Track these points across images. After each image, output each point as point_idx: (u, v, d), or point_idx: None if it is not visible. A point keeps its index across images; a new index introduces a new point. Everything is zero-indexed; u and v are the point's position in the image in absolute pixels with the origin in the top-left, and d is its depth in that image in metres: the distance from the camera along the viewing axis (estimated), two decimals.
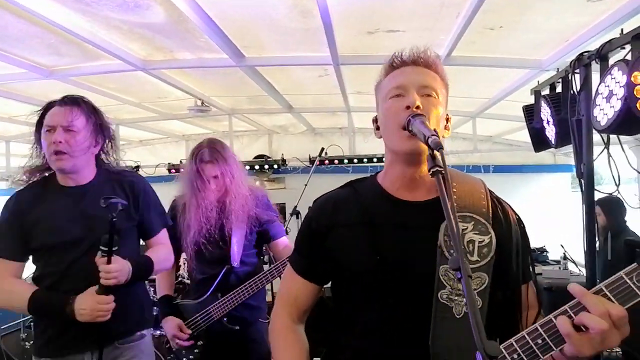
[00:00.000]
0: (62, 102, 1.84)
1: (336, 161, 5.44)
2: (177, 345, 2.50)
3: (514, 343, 1.01)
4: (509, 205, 1.32)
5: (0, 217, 1.89)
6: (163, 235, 2.14)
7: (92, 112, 1.91)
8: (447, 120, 1.31)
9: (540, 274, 4.02)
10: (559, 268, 4.22)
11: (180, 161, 5.50)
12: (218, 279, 2.51)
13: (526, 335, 1.00)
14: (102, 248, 1.75)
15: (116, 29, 2.63)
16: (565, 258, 4.32)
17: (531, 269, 1.29)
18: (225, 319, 2.49)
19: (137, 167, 5.63)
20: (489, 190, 1.31)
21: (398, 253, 1.20)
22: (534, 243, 5.16)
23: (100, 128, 1.93)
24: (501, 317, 1.19)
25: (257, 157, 6.29)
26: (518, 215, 1.31)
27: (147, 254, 2.03)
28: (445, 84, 1.31)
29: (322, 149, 4.54)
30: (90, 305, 1.73)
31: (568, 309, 0.99)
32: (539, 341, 0.99)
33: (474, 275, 1.14)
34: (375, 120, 1.37)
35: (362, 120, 5.86)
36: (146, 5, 2.28)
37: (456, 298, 1.13)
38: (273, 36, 2.91)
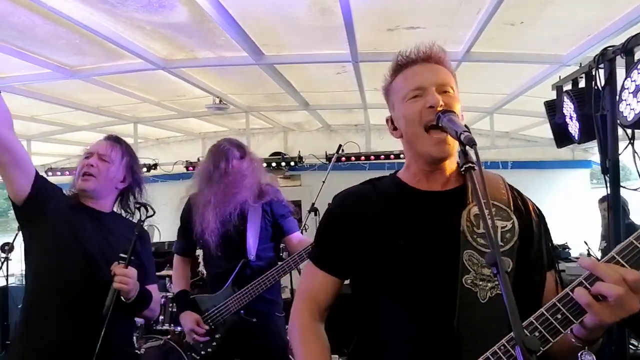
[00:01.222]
0: (107, 138, 2.05)
1: (353, 158, 5.44)
2: (194, 341, 2.54)
3: (534, 321, 1.01)
4: (529, 198, 1.32)
5: None
6: (153, 288, 2.15)
7: (129, 154, 2.07)
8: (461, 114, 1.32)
9: (564, 270, 3.98)
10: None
11: (198, 159, 5.55)
12: (235, 272, 2.54)
13: (545, 312, 1.00)
14: (122, 255, 1.81)
15: (139, 29, 2.67)
16: (588, 255, 4.27)
17: (553, 257, 1.29)
18: (242, 312, 2.52)
19: (155, 164, 5.69)
20: (508, 184, 1.32)
21: (420, 240, 1.21)
22: (555, 240, 5.10)
23: (132, 169, 2.06)
24: (524, 301, 1.20)
25: (273, 154, 6.32)
26: (537, 208, 1.31)
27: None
28: (455, 77, 1.31)
29: (340, 146, 4.54)
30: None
31: (583, 281, 0.99)
32: (559, 316, 0.99)
33: None
34: (390, 121, 1.37)
35: (378, 117, 5.86)
36: (170, 6, 2.31)
37: (481, 283, 1.14)
38: (293, 34, 2.93)
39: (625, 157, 2.22)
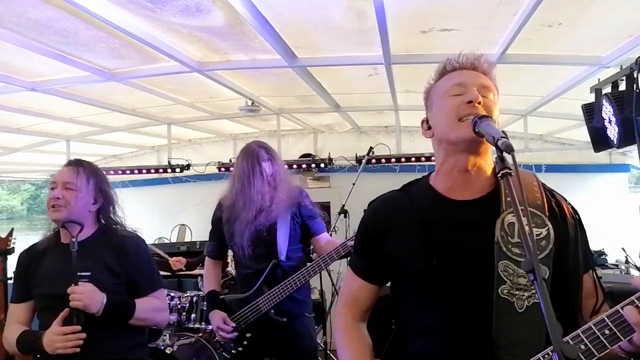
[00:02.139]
0: (69, 164, 2.05)
1: (383, 160, 5.42)
2: (221, 338, 2.59)
3: (580, 334, 1.00)
4: (563, 197, 1.31)
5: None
6: (157, 295, 2.17)
7: (95, 175, 2.09)
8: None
9: (601, 277, 3.86)
10: (620, 272, 4.05)
11: (230, 160, 5.63)
12: (266, 272, 2.58)
13: (593, 326, 1.00)
14: (79, 274, 1.88)
15: (176, 32, 2.73)
16: (627, 262, 4.15)
17: (590, 258, 1.29)
18: (272, 311, 2.55)
19: (188, 165, 5.79)
20: (542, 183, 1.31)
21: (455, 253, 1.21)
22: (591, 246, 4.96)
23: (101, 190, 2.09)
24: (562, 308, 1.18)
25: (302, 156, 6.35)
26: (572, 207, 1.30)
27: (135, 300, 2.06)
28: (497, 91, 1.33)
29: (371, 148, 4.55)
30: (49, 337, 1.83)
31: (635, 300, 0.98)
32: (606, 331, 0.99)
33: None
34: (425, 122, 1.39)
35: (409, 119, 5.82)
36: (207, 10, 2.36)
37: (517, 292, 1.14)
38: (326, 37, 2.94)
39: None
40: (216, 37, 2.86)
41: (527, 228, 0.98)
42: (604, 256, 4.72)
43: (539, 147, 6.08)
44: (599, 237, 4.75)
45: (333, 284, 4.40)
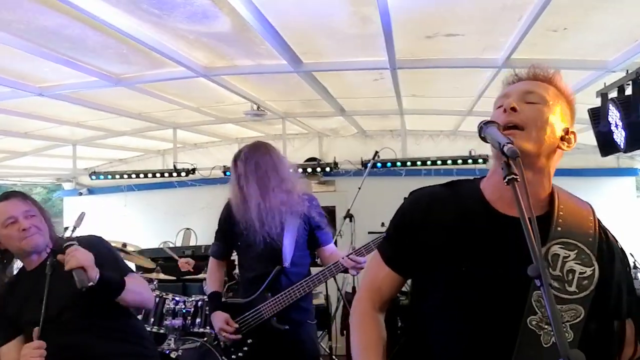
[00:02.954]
0: (8, 197, 2.02)
1: (389, 164, 5.43)
2: (225, 339, 2.57)
3: None
4: (615, 238, 1.25)
5: None
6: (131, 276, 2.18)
7: (32, 200, 2.11)
8: (568, 133, 1.24)
9: None
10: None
11: None
12: (269, 278, 2.56)
13: None
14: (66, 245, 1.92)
15: (183, 38, 2.75)
16: (635, 267, 4.12)
17: (633, 306, 1.23)
18: (274, 319, 2.54)
19: (194, 169, 5.82)
20: (598, 219, 1.24)
21: (487, 269, 1.17)
22: None
23: (41, 211, 2.11)
24: (598, 352, 1.14)
25: (308, 160, 6.36)
26: (623, 250, 1.25)
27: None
28: (567, 99, 1.27)
29: (376, 153, 4.56)
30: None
31: None
32: None
33: (567, 307, 1.11)
34: None
35: (414, 123, 5.82)
36: (214, 16, 2.38)
37: (546, 327, 1.10)
38: (331, 42, 2.96)
39: None
40: (222, 43, 2.88)
41: (533, 236, 0.96)
42: None
43: None
44: None
45: (339, 289, 4.39)
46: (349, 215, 4.14)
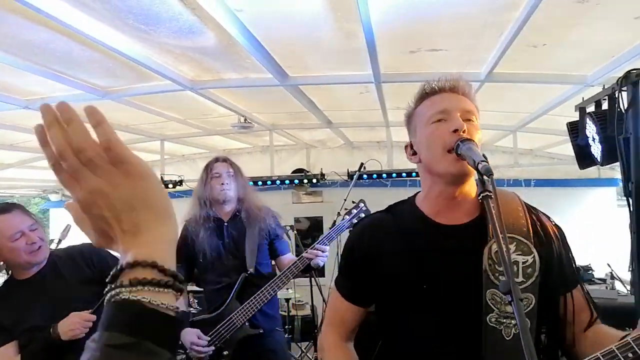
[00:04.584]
0: (7, 211, 2.02)
1: (374, 175, 5.47)
2: (197, 353, 2.55)
3: (600, 357, 1.01)
4: (546, 216, 1.32)
5: None
6: None
7: (29, 212, 2.13)
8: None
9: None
10: (606, 287, 4.09)
11: None
12: (236, 286, 2.61)
13: (615, 349, 0.99)
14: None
15: (169, 52, 2.77)
16: (612, 277, 4.19)
17: (577, 273, 1.30)
18: (247, 324, 2.58)
19: (181, 181, 5.81)
20: (525, 205, 1.31)
21: (443, 280, 1.22)
22: (579, 261, 4.99)
23: (39, 222, 2.13)
24: (553, 332, 1.21)
25: (295, 171, 6.39)
26: (556, 225, 1.31)
27: None
28: (478, 111, 1.33)
29: (362, 164, 4.59)
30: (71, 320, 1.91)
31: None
32: (630, 354, 0.98)
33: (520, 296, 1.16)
34: (410, 146, 1.40)
35: (400, 135, 5.88)
36: (200, 31, 2.41)
37: (505, 320, 1.15)
38: (317, 56, 3.00)
39: None
40: (208, 57, 2.91)
41: (506, 254, 1.00)
42: (590, 271, 4.75)
43: (528, 161, 6.15)
44: (587, 251, 4.79)
45: (324, 300, 4.39)
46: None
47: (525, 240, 1.22)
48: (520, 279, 1.18)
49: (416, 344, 1.25)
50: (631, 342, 1.00)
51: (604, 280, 4.40)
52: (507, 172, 6.12)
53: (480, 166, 1.09)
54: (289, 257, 2.86)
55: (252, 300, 2.56)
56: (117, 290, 0.55)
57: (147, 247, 0.59)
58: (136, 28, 2.36)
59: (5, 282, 2.13)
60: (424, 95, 1.35)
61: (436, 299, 1.22)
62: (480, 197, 1.08)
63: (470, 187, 1.28)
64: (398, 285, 1.28)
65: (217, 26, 2.34)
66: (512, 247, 1.21)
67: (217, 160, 2.81)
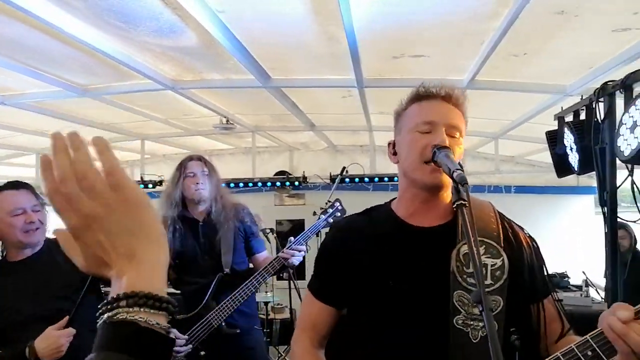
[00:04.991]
0: (14, 187, 2.02)
1: (357, 179, 5.48)
2: (175, 353, 2.49)
3: (561, 357, 1.01)
4: (520, 227, 1.34)
5: None
6: None
7: (37, 194, 2.11)
8: None
9: (561, 300, 3.92)
10: (581, 295, 4.15)
11: None
12: (212, 286, 2.59)
13: (575, 348, 1.01)
14: None
15: (149, 51, 2.74)
16: (587, 285, 4.25)
17: (549, 284, 1.31)
18: (224, 325, 2.55)
19: (161, 181, 5.74)
20: (499, 213, 1.33)
21: (411, 280, 1.23)
22: (556, 268, 5.06)
23: (44, 207, 2.11)
24: (523, 335, 1.21)
25: (277, 173, 6.36)
26: (530, 235, 1.33)
27: None
28: (466, 121, 1.35)
29: (344, 168, 4.60)
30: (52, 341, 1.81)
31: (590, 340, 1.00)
32: (589, 352, 0.99)
33: (488, 299, 1.16)
34: (392, 145, 1.40)
35: (383, 139, 5.90)
36: (181, 31, 2.38)
37: (472, 323, 1.16)
38: (299, 59, 2.99)
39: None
40: (190, 57, 2.88)
41: (478, 260, 1.00)
42: (566, 278, 4.81)
43: (509, 168, 6.22)
44: (565, 258, 4.85)
45: None
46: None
47: (495, 244, 1.23)
48: (489, 281, 1.19)
49: (382, 344, 1.25)
50: (590, 339, 1.00)
51: (580, 288, 4.46)
52: (488, 178, 6.18)
53: (455, 174, 1.10)
54: (264, 255, 2.86)
55: (228, 301, 2.54)
56: (115, 311, 0.57)
57: (142, 272, 0.61)
58: (116, 26, 2.33)
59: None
60: (417, 97, 1.35)
61: (402, 297, 1.22)
62: (455, 205, 1.08)
63: (446, 192, 1.29)
64: (365, 282, 1.29)
65: (198, 26, 2.32)
66: (482, 250, 1.22)
67: (191, 159, 2.74)
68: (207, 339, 2.55)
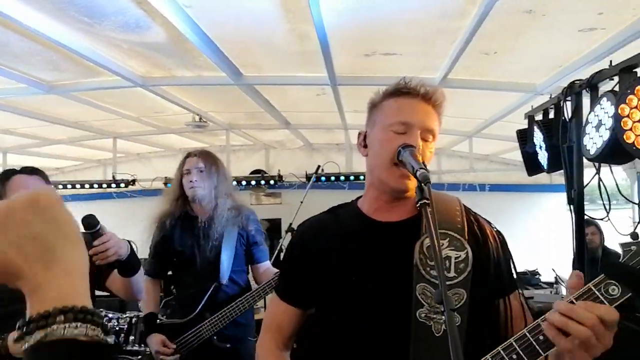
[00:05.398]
0: (28, 172, 1.99)
1: (332, 178, 5.47)
2: None
3: (501, 351, 1.02)
4: (487, 221, 1.33)
5: None
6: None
7: (50, 183, 2.10)
8: None
9: (532, 297, 4.00)
10: (551, 292, 4.21)
11: None
12: (206, 296, 2.50)
13: (513, 342, 1.02)
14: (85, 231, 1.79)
15: (116, 47, 2.67)
16: (557, 282, 4.31)
17: (515, 280, 1.30)
18: (215, 338, 2.48)
19: (134, 180, 5.64)
20: (465, 207, 1.32)
21: (374, 275, 1.22)
22: (529, 265, 5.13)
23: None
24: (483, 332, 1.20)
25: (253, 172, 6.30)
26: (498, 230, 1.32)
27: None
28: (441, 122, 1.33)
29: (319, 167, 4.57)
30: None
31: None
32: (514, 356, 1.01)
33: (450, 292, 1.15)
34: (364, 137, 1.38)
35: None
36: (147, 26, 2.32)
37: (435, 316, 1.15)
38: (271, 57, 2.96)
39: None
40: (159, 53, 2.82)
41: (439, 259, 0.99)
42: (537, 276, 4.88)
43: (484, 167, 6.27)
44: (540, 256, 4.92)
45: None
46: (291, 229, 4.10)
47: (459, 237, 1.22)
48: (452, 273, 1.18)
49: (348, 341, 1.25)
50: (526, 333, 1.02)
51: (551, 285, 4.53)
52: (463, 177, 6.22)
53: (418, 173, 1.10)
54: (266, 266, 2.73)
55: (222, 313, 2.45)
56: (49, 329, 0.50)
57: (69, 281, 0.54)
58: (80, 20, 2.26)
59: None
60: (396, 92, 1.31)
61: (365, 291, 1.21)
62: (418, 204, 1.08)
63: (411, 189, 1.26)
64: (331, 280, 1.28)
65: (166, 21, 2.27)
66: (445, 242, 1.21)
67: (189, 155, 2.63)
68: (197, 348, 2.48)
